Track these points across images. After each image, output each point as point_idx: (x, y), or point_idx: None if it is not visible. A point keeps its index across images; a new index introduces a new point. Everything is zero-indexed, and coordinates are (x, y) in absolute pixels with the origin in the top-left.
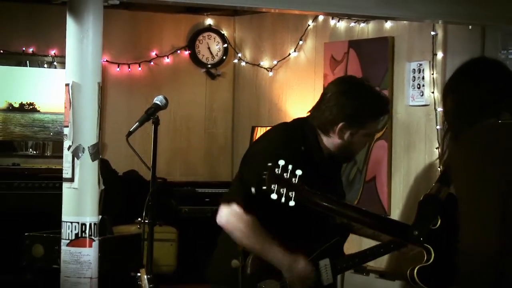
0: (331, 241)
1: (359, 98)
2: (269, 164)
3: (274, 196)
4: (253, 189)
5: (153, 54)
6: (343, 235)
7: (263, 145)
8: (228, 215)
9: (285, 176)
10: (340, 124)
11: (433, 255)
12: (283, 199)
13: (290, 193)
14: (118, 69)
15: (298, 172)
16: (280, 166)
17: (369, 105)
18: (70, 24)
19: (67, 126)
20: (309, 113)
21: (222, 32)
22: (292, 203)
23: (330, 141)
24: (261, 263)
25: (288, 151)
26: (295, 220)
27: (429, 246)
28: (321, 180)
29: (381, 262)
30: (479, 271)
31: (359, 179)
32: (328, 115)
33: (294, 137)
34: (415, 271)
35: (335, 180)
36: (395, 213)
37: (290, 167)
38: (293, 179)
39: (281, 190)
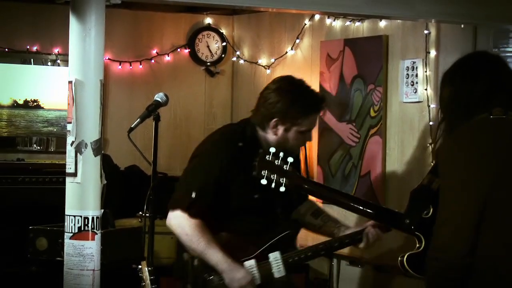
0: (281, 235)
1: (290, 95)
2: (260, 150)
3: (264, 181)
4: (193, 194)
5: (154, 52)
6: (295, 229)
7: (206, 146)
8: (174, 220)
9: (277, 163)
10: (273, 120)
11: (423, 243)
12: (273, 185)
13: (281, 179)
14: (119, 66)
15: (290, 160)
16: (271, 153)
17: (299, 103)
18: (73, 23)
19: (70, 122)
20: (251, 112)
21: (221, 31)
22: (282, 189)
23: (268, 137)
24: None
25: (226, 147)
26: (244, 215)
27: (419, 234)
28: None
29: (376, 255)
30: (450, 267)
31: (354, 173)
32: (263, 111)
33: (233, 133)
34: (405, 258)
35: None
36: (390, 207)
37: (281, 154)
38: (285, 166)
39: (271, 176)
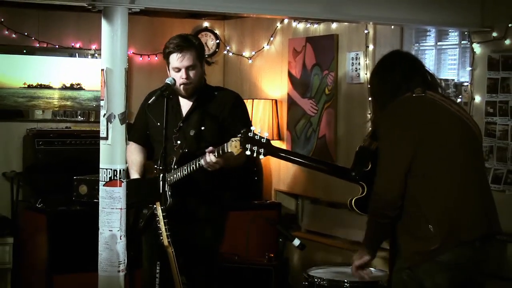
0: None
1: (166, 43)
2: (242, 130)
3: (248, 152)
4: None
5: None
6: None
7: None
8: None
9: (256, 138)
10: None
11: (365, 189)
12: (255, 154)
13: (260, 150)
14: (140, 58)
15: (265, 134)
16: (252, 131)
17: (165, 46)
18: (105, 26)
19: (103, 100)
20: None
21: (215, 32)
22: (262, 157)
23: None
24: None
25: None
26: (157, 145)
27: (362, 183)
28: (175, 108)
29: (331, 195)
30: (386, 207)
31: (313, 136)
32: None
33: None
34: (353, 201)
35: (193, 110)
36: (340, 161)
37: (259, 131)
38: (262, 139)
39: (253, 148)
